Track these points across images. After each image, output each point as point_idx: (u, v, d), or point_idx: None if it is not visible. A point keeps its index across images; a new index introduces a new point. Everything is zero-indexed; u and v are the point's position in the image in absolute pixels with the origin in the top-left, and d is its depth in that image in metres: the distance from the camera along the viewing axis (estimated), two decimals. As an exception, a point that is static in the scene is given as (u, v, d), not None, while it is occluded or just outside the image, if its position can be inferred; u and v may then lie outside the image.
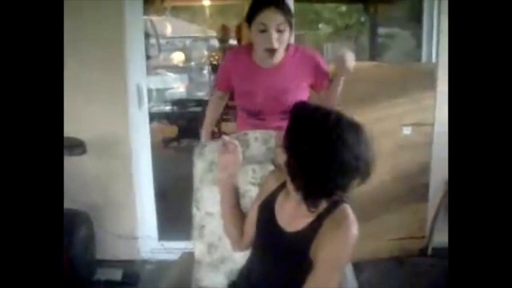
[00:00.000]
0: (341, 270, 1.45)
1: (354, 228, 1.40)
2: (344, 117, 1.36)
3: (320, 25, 9.27)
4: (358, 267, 1.88)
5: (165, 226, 3.45)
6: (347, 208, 1.44)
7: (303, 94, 2.25)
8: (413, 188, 3.21)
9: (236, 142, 1.70)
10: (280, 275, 1.53)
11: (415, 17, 3.55)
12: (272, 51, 2.06)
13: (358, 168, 1.33)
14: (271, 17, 2.00)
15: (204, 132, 2.55)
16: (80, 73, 2.92)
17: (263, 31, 2.01)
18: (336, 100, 2.19)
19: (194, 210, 1.97)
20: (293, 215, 1.50)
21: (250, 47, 2.20)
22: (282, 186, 1.57)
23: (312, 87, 2.28)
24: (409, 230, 3.25)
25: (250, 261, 1.69)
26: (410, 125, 3.13)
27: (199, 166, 1.96)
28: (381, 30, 6.43)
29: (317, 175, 1.34)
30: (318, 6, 8.51)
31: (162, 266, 3.10)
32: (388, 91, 3.11)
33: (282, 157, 1.42)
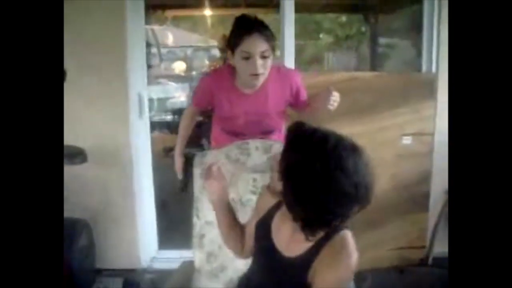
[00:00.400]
0: None
1: (353, 257, 1.35)
2: (343, 141, 1.30)
3: (321, 35, 9.30)
4: (358, 276, 1.87)
5: (165, 235, 3.45)
6: (347, 235, 1.39)
7: (281, 117, 2.31)
8: (414, 197, 3.20)
9: (220, 165, 1.67)
10: None
11: (415, 27, 3.56)
12: (257, 76, 2.04)
13: (358, 196, 1.28)
14: (255, 45, 1.97)
15: (178, 152, 2.51)
16: (82, 82, 2.92)
17: (247, 58, 1.99)
18: (319, 116, 2.13)
19: (194, 219, 1.97)
20: (290, 239, 1.45)
21: (232, 70, 2.17)
22: (279, 204, 1.53)
23: (292, 106, 2.29)
24: (409, 240, 3.24)
25: (250, 271, 1.67)
26: (410, 135, 3.14)
27: (199, 176, 1.96)
28: (382, 40, 6.44)
29: (315, 205, 1.29)
30: (318, 17, 8.52)
31: (162, 275, 3.09)
32: (389, 101, 3.12)
33: (278, 184, 1.37)
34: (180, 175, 2.50)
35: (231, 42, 2.04)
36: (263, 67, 2.02)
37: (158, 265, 3.28)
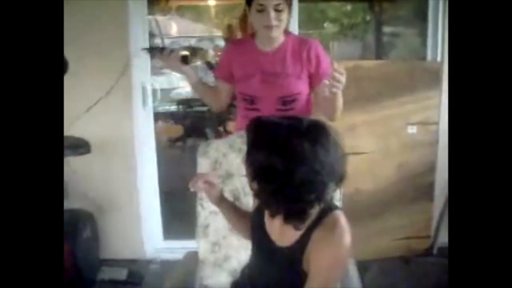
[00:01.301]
0: (336, 279, 1.41)
1: (345, 236, 1.35)
2: (296, 127, 1.30)
3: (326, 24, 9.25)
4: (363, 266, 1.87)
5: (169, 226, 3.46)
6: (337, 215, 1.38)
7: (301, 84, 2.20)
8: (419, 187, 3.19)
9: (207, 177, 1.67)
10: (277, 284, 1.50)
11: (420, 16, 3.54)
12: (270, 28, 2.08)
13: (324, 176, 1.28)
14: None
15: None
16: (85, 73, 2.92)
17: (261, 11, 2.05)
18: (336, 106, 2.09)
19: (199, 209, 1.97)
20: (281, 230, 1.45)
21: (253, 35, 2.23)
22: None
23: (311, 78, 2.22)
24: (414, 230, 3.24)
25: (250, 261, 1.67)
26: (415, 124, 3.12)
27: (203, 164, 1.96)
28: (387, 29, 6.42)
29: (285, 198, 1.30)
30: (323, 5, 8.49)
31: (166, 265, 3.10)
32: (394, 90, 3.10)
33: (252, 184, 1.37)
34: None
35: None
36: (277, 19, 2.06)
37: (162, 256, 3.28)
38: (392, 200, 3.14)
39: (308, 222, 1.38)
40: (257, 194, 1.38)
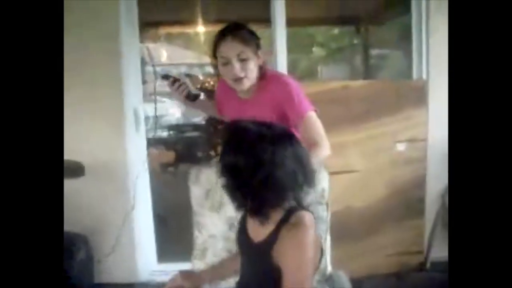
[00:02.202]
0: (307, 276, 1.46)
1: (309, 232, 1.45)
2: (264, 133, 1.44)
3: (314, 48, 9.36)
4: (356, 283, 1.89)
5: (163, 249, 3.46)
6: (301, 215, 1.49)
7: (285, 124, 2.10)
8: (409, 203, 3.23)
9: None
10: (256, 282, 1.59)
11: (405, 37, 3.61)
12: (239, 80, 2.00)
13: (290, 181, 1.44)
14: (229, 49, 1.96)
15: None
16: (80, 98, 2.96)
17: (226, 63, 1.98)
18: (315, 137, 1.99)
19: (196, 233, 1.99)
20: (256, 226, 1.57)
21: None
22: None
23: (289, 117, 2.08)
24: (406, 245, 3.26)
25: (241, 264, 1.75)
26: (404, 141, 3.17)
27: (196, 192, 1.99)
28: (373, 51, 6.51)
29: (249, 195, 1.47)
30: (311, 30, 8.60)
31: (161, 288, 3.09)
32: (381, 108, 3.16)
33: (222, 181, 1.51)
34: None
35: (212, 50, 2.03)
36: (243, 70, 1.97)
37: (157, 279, 3.26)
38: (384, 216, 3.17)
39: (276, 219, 1.50)
40: (224, 189, 1.52)
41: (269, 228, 1.52)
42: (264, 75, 2.07)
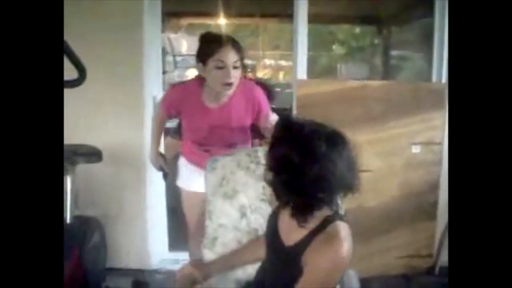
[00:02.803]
0: (329, 285, 1.45)
1: (343, 247, 1.41)
2: (319, 130, 1.41)
3: (334, 46, 9.31)
4: (364, 283, 1.90)
5: (175, 237, 3.49)
6: (340, 226, 1.45)
7: (244, 131, 2.39)
8: (422, 206, 3.23)
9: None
10: (280, 283, 1.57)
11: (426, 39, 3.60)
12: (229, 84, 2.16)
13: (337, 181, 1.39)
14: (228, 55, 2.12)
15: (155, 153, 2.67)
16: (101, 85, 2.99)
17: (221, 67, 2.12)
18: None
19: (207, 222, 2.01)
20: (289, 229, 1.54)
21: (200, 84, 2.29)
22: None
23: (254, 121, 2.38)
24: (416, 248, 3.26)
25: (265, 262, 1.73)
26: (420, 144, 3.17)
27: (211, 180, 2.00)
28: (394, 52, 6.47)
29: (296, 192, 1.42)
30: (332, 28, 8.56)
31: (171, 276, 3.12)
32: (399, 110, 3.15)
33: (267, 175, 1.48)
34: (165, 169, 2.70)
35: (203, 54, 2.17)
36: (235, 77, 2.15)
37: (167, 266, 3.31)
38: (395, 218, 3.17)
39: (312, 225, 1.46)
40: (271, 184, 1.47)
41: (303, 233, 1.48)
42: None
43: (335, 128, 1.47)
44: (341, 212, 1.60)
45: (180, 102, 2.35)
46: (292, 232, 1.52)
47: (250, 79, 2.55)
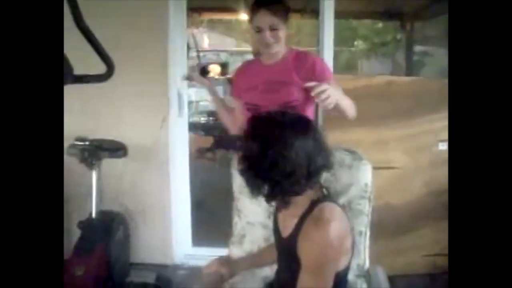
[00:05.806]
0: (324, 270, 1.45)
1: (330, 226, 1.42)
2: (284, 118, 1.47)
3: (356, 42, 9.26)
4: (390, 281, 1.88)
5: (199, 233, 3.51)
6: (326, 206, 1.48)
7: (302, 93, 2.21)
8: (447, 204, 3.17)
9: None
10: (285, 277, 1.60)
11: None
12: (268, 45, 2.19)
13: (301, 165, 1.42)
14: (263, 19, 2.15)
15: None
16: (127, 80, 2.99)
17: (259, 31, 2.17)
18: (341, 110, 2.10)
19: (235, 219, 2.01)
20: (284, 220, 1.58)
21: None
22: None
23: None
24: (442, 247, 3.20)
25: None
26: (446, 141, 3.12)
27: (238, 178, 2.00)
28: (417, 48, 6.40)
29: (257, 176, 1.47)
30: (354, 23, 8.50)
31: (194, 271, 3.14)
32: (425, 106, 3.11)
33: (238, 167, 1.54)
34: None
35: (249, 21, 2.24)
36: (273, 38, 2.17)
37: (191, 262, 3.33)
38: (421, 216, 3.14)
39: (301, 211, 1.49)
40: (241, 175, 1.53)
41: (293, 221, 1.51)
42: (290, 48, 2.30)
43: (299, 114, 1.57)
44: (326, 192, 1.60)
45: (240, 73, 2.42)
46: (286, 222, 1.56)
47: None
